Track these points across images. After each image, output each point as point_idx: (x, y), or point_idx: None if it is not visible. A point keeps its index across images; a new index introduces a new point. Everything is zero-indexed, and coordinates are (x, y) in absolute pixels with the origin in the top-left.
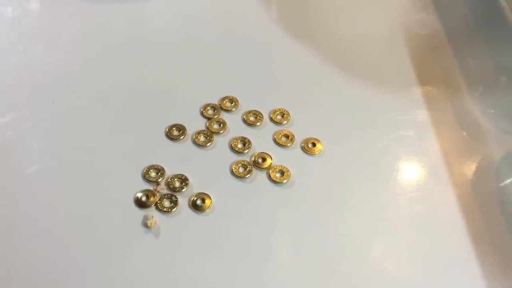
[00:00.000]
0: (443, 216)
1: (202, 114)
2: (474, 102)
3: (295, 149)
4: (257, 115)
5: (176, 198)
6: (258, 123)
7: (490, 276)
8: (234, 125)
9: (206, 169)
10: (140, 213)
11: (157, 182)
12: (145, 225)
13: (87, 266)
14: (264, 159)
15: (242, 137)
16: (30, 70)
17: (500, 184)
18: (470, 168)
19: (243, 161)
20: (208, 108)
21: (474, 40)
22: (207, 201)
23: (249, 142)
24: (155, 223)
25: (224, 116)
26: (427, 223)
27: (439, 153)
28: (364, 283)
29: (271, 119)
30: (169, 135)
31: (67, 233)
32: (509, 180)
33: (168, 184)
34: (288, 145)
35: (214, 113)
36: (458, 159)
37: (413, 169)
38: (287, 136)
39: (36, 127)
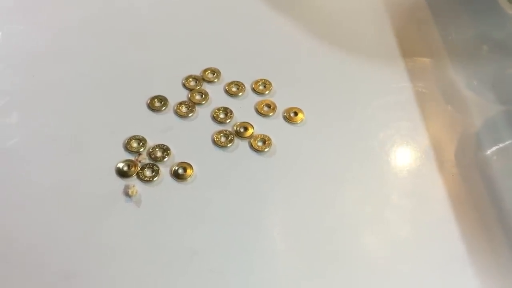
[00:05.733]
0: (424, 181)
1: (184, 85)
2: (456, 71)
3: (277, 119)
4: (239, 85)
5: (157, 167)
6: (240, 94)
7: (470, 238)
8: (216, 96)
9: (188, 139)
10: (122, 182)
11: (138, 152)
12: (126, 194)
13: (70, 234)
14: (246, 129)
15: (224, 107)
16: (11, 44)
17: (480, 150)
18: (451, 135)
19: (225, 130)
20: (190, 79)
21: (457, 12)
22: (189, 170)
23: (231, 112)
24: (136, 191)
25: (206, 87)
26: (409, 187)
27: (421, 122)
28: (346, 247)
29: (253, 90)
30: (151, 106)
31: (49, 203)
32: (488, 146)
33: (149, 154)
34: (270, 114)
35: (196, 84)
36: (440, 127)
37: (395, 137)
38: (269, 106)
39: (16, 101)
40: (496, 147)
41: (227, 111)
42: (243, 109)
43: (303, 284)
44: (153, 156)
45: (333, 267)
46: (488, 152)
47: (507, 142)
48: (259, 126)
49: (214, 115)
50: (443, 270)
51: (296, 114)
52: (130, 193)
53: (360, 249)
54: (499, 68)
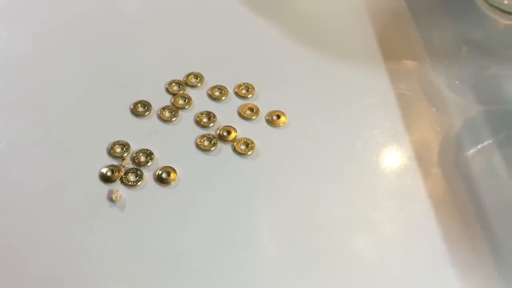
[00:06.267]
0: (407, 181)
1: (167, 90)
2: (437, 73)
3: (260, 122)
4: (222, 89)
5: (141, 172)
6: (223, 98)
7: (451, 236)
8: (199, 100)
9: (171, 143)
10: (106, 187)
11: (122, 157)
12: (110, 199)
13: (53, 239)
14: (229, 132)
15: (207, 111)
16: None
17: (461, 150)
18: (433, 136)
19: (208, 134)
20: (173, 84)
21: (436, 14)
22: (172, 174)
23: (214, 116)
24: (120, 196)
25: (189, 91)
26: (393, 187)
27: (403, 123)
28: (333, 246)
29: (236, 94)
30: (134, 111)
31: (32, 208)
32: (469, 146)
33: (133, 159)
34: (253, 118)
35: (179, 89)
36: (422, 128)
37: (378, 138)
38: (251, 110)
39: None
40: (476, 147)
41: (210, 115)
42: (226, 113)
43: (291, 284)
44: (136, 161)
45: (321, 266)
46: (469, 152)
47: (486, 142)
48: (242, 130)
49: (197, 119)
50: (427, 268)
51: (278, 117)
52: (114, 198)
53: (347, 248)
54: (479, 69)
